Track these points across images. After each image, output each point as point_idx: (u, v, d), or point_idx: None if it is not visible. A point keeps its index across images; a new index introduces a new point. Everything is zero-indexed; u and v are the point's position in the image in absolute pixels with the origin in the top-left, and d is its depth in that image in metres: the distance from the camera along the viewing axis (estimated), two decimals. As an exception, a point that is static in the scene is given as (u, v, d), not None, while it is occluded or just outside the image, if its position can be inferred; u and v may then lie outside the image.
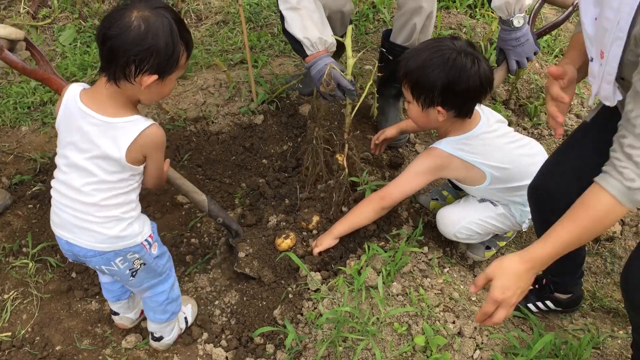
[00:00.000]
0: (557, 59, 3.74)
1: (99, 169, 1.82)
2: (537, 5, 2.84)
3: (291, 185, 2.89)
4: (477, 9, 3.97)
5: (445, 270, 2.48)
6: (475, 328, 2.22)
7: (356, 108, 2.49)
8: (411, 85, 2.20)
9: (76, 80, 3.59)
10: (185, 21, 4.20)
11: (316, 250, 2.47)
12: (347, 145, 2.57)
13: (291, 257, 2.42)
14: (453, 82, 2.10)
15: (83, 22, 4.08)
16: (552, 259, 1.56)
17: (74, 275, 2.58)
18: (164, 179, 2.09)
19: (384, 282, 2.33)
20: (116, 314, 2.34)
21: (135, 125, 1.79)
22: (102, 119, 1.78)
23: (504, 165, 2.31)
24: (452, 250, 2.64)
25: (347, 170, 2.57)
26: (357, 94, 2.49)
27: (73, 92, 1.84)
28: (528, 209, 2.26)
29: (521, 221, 2.45)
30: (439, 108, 2.19)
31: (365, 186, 2.59)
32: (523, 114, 3.33)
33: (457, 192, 2.82)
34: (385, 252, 2.41)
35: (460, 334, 2.21)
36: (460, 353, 2.15)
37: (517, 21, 2.54)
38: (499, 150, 2.34)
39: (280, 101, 3.32)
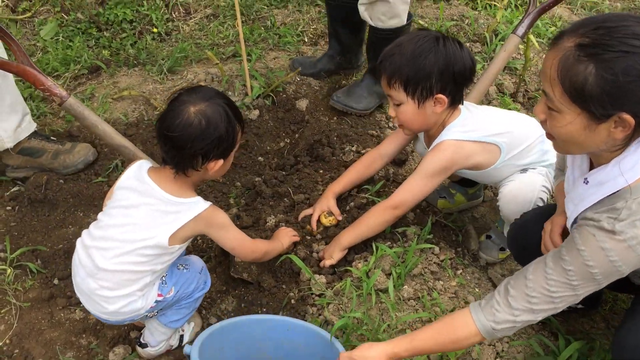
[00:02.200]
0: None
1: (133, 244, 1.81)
2: None
3: (290, 183, 2.70)
4: (478, 1, 3.83)
5: (459, 272, 2.31)
6: (494, 334, 2.05)
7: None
8: (404, 81, 2.03)
9: (57, 76, 3.39)
10: (174, 15, 4.04)
11: (328, 263, 2.28)
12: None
13: (293, 260, 2.25)
14: (448, 64, 2.00)
15: (65, 16, 3.88)
16: (412, 357, 1.76)
17: (56, 282, 2.38)
18: (258, 253, 2.11)
19: (394, 285, 2.15)
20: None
21: (193, 207, 1.83)
22: (164, 196, 1.82)
23: (506, 129, 2.17)
24: (464, 251, 2.48)
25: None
26: None
27: (143, 165, 1.90)
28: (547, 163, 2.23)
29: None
30: (438, 96, 2.04)
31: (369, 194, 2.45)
32: (532, 107, 3.18)
33: (465, 190, 2.66)
34: (394, 252, 2.23)
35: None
36: (478, 362, 1.98)
37: None
38: (494, 118, 2.24)
39: (276, 95, 3.14)
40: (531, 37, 2.83)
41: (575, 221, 1.61)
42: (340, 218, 2.42)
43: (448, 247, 2.41)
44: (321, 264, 2.31)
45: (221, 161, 1.83)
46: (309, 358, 1.98)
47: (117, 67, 3.50)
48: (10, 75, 2.53)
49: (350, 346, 1.96)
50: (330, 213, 2.40)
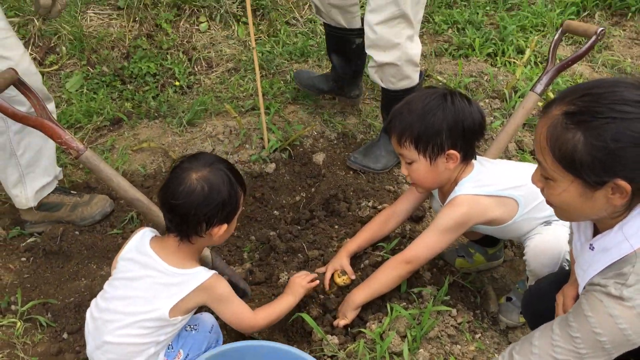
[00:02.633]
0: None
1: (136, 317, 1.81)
2: (557, 36, 2.68)
3: (304, 238, 2.67)
4: (497, 57, 3.83)
5: (477, 335, 2.23)
6: None
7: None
8: (415, 139, 2.03)
9: (80, 128, 3.45)
10: (196, 69, 4.11)
11: (342, 324, 2.22)
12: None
13: (304, 319, 2.19)
14: (457, 120, 2.00)
15: (91, 69, 3.97)
16: None
17: (65, 336, 2.35)
18: (258, 327, 2.07)
19: (409, 349, 2.08)
20: None
21: (195, 278, 1.83)
22: (166, 268, 1.82)
23: (522, 182, 2.09)
24: (483, 313, 2.39)
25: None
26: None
27: (146, 235, 1.92)
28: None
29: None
30: (450, 151, 2.03)
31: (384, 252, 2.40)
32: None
33: (485, 250, 2.59)
34: (409, 313, 2.16)
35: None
36: None
37: None
38: (508, 172, 2.21)
39: (293, 149, 3.14)
40: (550, 94, 2.80)
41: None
42: (353, 277, 2.36)
43: (466, 309, 2.33)
44: (335, 323, 2.24)
45: (225, 226, 1.84)
46: None
47: (138, 119, 3.55)
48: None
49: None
50: (344, 272, 2.35)
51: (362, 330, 2.16)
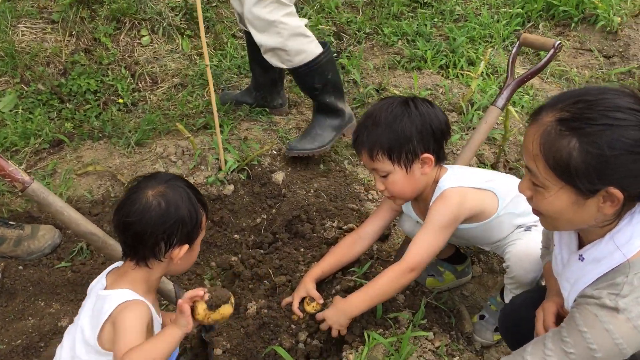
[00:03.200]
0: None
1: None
2: (515, 50, 2.70)
3: (269, 264, 2.55)
4: (449, 69, 3.84)
5: (455, 359, 2.17)
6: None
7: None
8: (387, 150, 1.97)
9: (16, 151, 3.20)
10: (140, 85, 3.92)
11: (335, 334, 2.09)
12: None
13: (278, 352, 2.07)
14: (424, 123, 1.99)
15: (25, 87, 3.71)
16: None
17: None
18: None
19: (390, 379, 2.00)
20: None
21: (112, 300, 1.62)
22: (99, 292, 1.68)
23: (492, 177, 2.18)
24: (458, 334, 2.34)
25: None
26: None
27: (112, 266, 1.78)
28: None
29: None
30: (424, 155, 1.99)
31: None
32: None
33: (454, 267, 2.55)
34: (388, 341, 2.08)
35: None
36: None
37: None
38: (476, 171, 2.29)
39: (251, 169, 3.01)
40: (510, 108, 2.80)
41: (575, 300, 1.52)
42: (322, 302, 2.25)
43: (442, 332, 2.27)
44: (332, 333, 2.09)
45: (186, 246, 1.70)
46: None
47: (80, 141, 3.33)
48: None
49: None
50: (312, 299, 2.24)
51: (342, 361, 2.07)
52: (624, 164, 1.27)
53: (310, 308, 2.23)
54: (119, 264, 1.80)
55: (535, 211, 1.50)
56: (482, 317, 2.38)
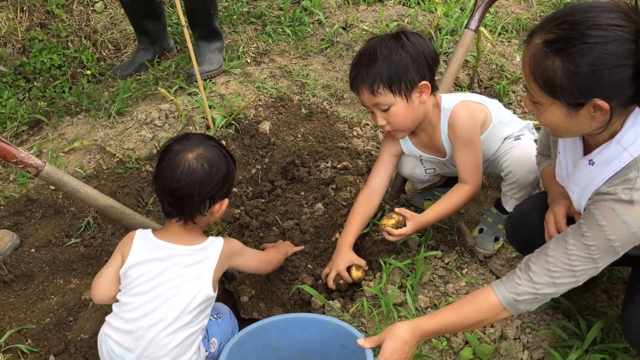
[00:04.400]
0: (501, 36, 3.72)
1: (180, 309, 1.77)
2: None
3: (274, 211, 2.65)
4: (410, -1, 3.89)
5: (464, 271, 2.34)
6: (517, 327, 2.09)
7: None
8: (387, 82, 2.07)
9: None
10: (104, 53, 3.87)
11: (394, 238, 2.22)
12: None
13: (304, 289, 2.20)
14: (419, 52, 2.08)
15: (-13, 70, 3.63)
16: (436, 334, 1.81)
17: (51, 358, 2.22)
18: (272, 264, 2.20)
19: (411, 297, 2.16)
20: None
21: (213, 247, 1.86)
22: (186, 250, 1.81)
23: (476, 96, 2.35)
24: (462, 249, 2.51)
25: None
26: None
27: (144, 234, 1.85)
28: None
29: None
30: (421, 83, 2.10)
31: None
32: (491, 96, 3.26)
33: (448, 190, 2.69)
34: (404, 264, 2.23)
35: (503, 336, 2.08)
36: (509, 358, 2.01)
37: None
38: (461, 93, 2.48)
39: (238, 123, 3.06)
40: (482, 29, 2.89)
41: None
42: (366, 267, 2.32)
43: (448, 249, 2.43)
44: (389, 236, 2.21)
45: (226, 201, 1.87)
46: (326, 347, 1.97)
47: (59, 118, 3.31)
48: None
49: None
50: (358, 266, 2.30)
51: (365, 288, 2.21)
52: (604, 77, 1.39)
53: (356, 275, 2.28)
54: (144, 231, 1.88)
55: (540, 123, 1.65)
56: (481, 231, 2.54)
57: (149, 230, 1.87)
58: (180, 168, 1.73)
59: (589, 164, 1.62)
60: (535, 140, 2.30)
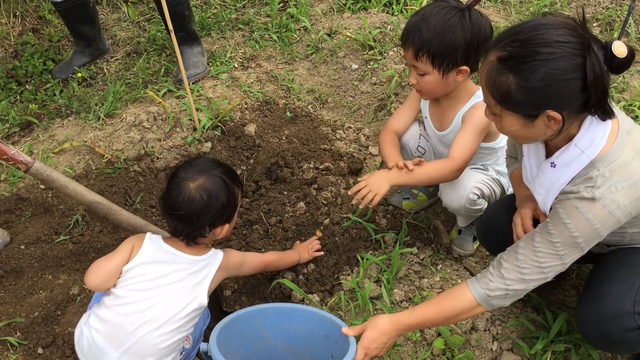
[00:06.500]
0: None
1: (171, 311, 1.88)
2: None
3: (257, 210, 2.74)
4: (393, 6, 4.00)
5: (439, 267, 2.44)
6: (487, 320, 2.19)
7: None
8: (432, 55, 2.11)
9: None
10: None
11: (370, 198, 2.15)
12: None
13: (285, 283, 2.29)
14: (474, 38, 2.10)
15: (-20, 74, 3.70)
16: (415, 328, 1.95)
17: (40, 351, 2.29)
18: (272, 266, 2.33)
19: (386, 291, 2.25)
20: None
21: (213, 259, 2.01)
22: (189, 258, 1.96)
23: None
24: (437, 246, 2.61)
25: None
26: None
27: (156, 238, 1.99)
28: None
29: (507, 188, 2.45)
30: (462, 67, 2.15)
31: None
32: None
33: (426, 189, 2.80)
34: (380, 259, 2.33)
35: (473, 328, 2.17)
36: (479, 348, 2.11)
37: None
38: None
39: (224, 125, 3.15)
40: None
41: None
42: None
43: (424, 246, 2.53)
44: (367, 197, 2.15)
45: (227, 225, 1.99)
46: (310, 337, 2.07)
47: (50, 120, 3.38)
48: None
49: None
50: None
51: (344, 281, 2.30)
52: (554, 91, 1.51)
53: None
54: (156, 236, 2.02)
55: (500, 132, 1.76)
56: (459, 232, 2.64)
57: (160, 237, 2.00)
58: (181, 197, 1.87)
59: (551, 166, 1.72)
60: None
